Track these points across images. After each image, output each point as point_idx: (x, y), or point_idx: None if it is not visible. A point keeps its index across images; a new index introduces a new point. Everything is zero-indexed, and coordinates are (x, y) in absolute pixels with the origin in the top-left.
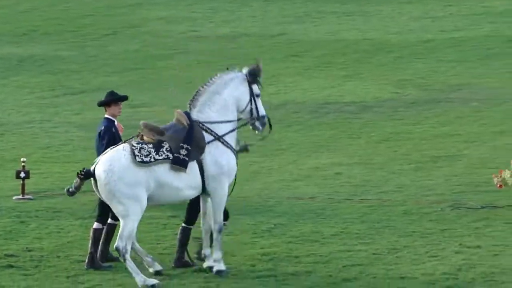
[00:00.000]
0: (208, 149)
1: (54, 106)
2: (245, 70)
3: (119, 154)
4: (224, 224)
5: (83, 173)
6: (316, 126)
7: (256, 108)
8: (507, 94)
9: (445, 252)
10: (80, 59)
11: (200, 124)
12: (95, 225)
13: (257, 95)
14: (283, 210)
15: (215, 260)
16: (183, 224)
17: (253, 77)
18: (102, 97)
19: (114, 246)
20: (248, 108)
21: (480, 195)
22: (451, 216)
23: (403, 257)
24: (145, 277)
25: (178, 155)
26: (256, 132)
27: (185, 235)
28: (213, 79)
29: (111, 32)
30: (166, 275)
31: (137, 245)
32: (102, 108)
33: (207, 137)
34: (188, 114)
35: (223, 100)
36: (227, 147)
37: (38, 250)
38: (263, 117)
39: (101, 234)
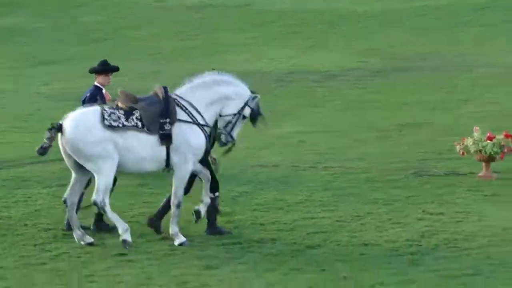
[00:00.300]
0: (180, 126)
1: (23, 76)
2: (252, 93)
3: (88, 114)
4: (215, 196)
5: (54, 126)
6: (281, 94)
7: (234, 126)
8: (472, 62)
9: (408, 219)
10: (49, 30)
11: (176, 100)
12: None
13: (244, 117)
14: (247, 178)
15: (172, 235)
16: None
17: (252, 111)
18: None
19: (92, 200)
20: (228, 119)
21: (443, 163)
22: (415, 184)
23: (367, 224)
24: (127, 238)
25: (164, 131)
26: (217, 142)
27: (212, 205)
28: (222, 73)
29: (81, 4)
30: (134, 242)
31: (74, 215)
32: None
33: (182, 115)
34: (166, 89)
35: (217, 93)
36: (199, 127)
37: (6, 219)
38: (231, 137)
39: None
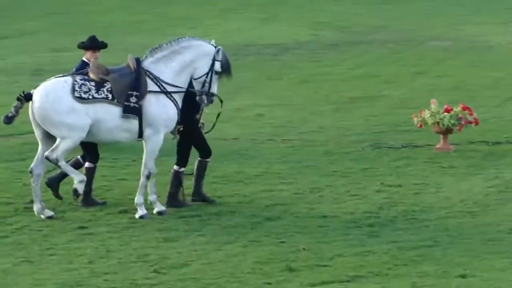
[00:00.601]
0: (151, 98)
1: None
2: (215, 45)
3: (58, 85)
4: (206, 161)
5: (23, 95)
6: (237, 68)
7: (210, 83)
8: (424, 35)
9: (366, 191)
10: (2, 4)
11: (148, 72)
12: (87, 164)
13: (216, 72)
14: None
15: (137, 204)
16: (174, 167)
17: (222, 66)
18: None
19: (45, 155)
20: (203, 79)
21: (400, 135)
22: (372, 156)
23: (325, 196)
24: (84, 178)
25: (128, 103)
26: (201, 104)
27: (177, 177)
28: (180, 39)
29: None
30: (93, 216)
31: (38, 187)
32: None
33: (153, 86)
34: (138, 60)
35: (182, 61)
36: (171, 100)
37: None
38: (212, 94)
39: (94, 172)
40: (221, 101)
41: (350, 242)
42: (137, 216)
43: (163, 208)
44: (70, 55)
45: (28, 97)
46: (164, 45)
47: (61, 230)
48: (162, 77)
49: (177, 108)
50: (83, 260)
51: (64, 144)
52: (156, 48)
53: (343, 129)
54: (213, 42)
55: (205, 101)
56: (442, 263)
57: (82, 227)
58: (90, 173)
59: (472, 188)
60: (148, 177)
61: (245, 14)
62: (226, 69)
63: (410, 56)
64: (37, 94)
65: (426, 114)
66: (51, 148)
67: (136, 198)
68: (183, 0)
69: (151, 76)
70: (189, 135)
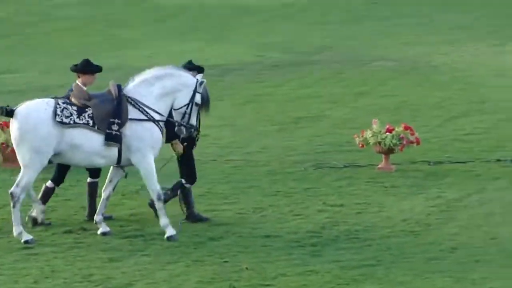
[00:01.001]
0: (133, 123)
1: None
2: (199, 78)
3: (41, 106)
4: (184, 185)
5: (7, 109)
6: None
7: (190, 115)
8: (368, 55)
9: (308, 210)
10: None
11: (129, 99)
12: (48, 183)
13: (196, 104)
14: None
15: (163, 227)
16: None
17: (202, 99)
18: None
19: (9, 192)
20: (183, 110)
21: (342, 155)
22: (314, 176)
23: (268, 216)
24: (23, 231)
25: (110, 131)
26: (180, 135)
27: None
28: (167, 66)
29: None
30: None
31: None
32: None
33: (134, 113)
34: (119, 87)
35: (162, 87)
36: (153, 122)
37: None
38: (191, 126)
39: (53, 192)
40: (198, 132)
41: (293, 261)
42: (165, 236)
43: (107, 229)
44: (20, 77)
45: (9, 112)
46: (148, 70)
47: (6, 250)
48: (143, 101)
49: (160, 129)
50: (29, 280)
51: (26, 174)
52: (139, 73)
53: (287, 149)
54: (199, 76)
55: (184, 132)
56: (384, 282)
57: (27, 248)
58: (48, 194)
59: (414, 208)
60: (159, 198)
61: (191, 36)
62: (206, 102)
63: (354, 76)
64: (19, 113)
65: (368, 134)
66: (16, 182)
67: (160, 222)
68: (131, 22)
69: (132, 102)
70: (191, 149)
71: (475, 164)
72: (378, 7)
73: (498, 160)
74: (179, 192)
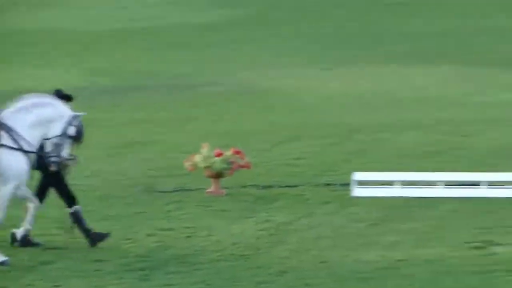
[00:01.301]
0: (3, 150)
1: None
2: (74, 113)
3: None
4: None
5: None
6: None
7: (62, 147)
8: (198, 80)
9: (138, 235)
10: None
11: (2, 125)
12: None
13: (69, 137)
14: None
15: None
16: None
17: (76, 129)
18: None
19: None
20: (55, 141)
21: (172, 179)
22: (144, 200)
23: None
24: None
25: None
26: (49, 167)
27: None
28: (44, 95)
29: None
30: None
31: None
32: None
33: (6, 140)
34: None
35: (39, 116)
36: (22, 152)
37: None
38: (63, 158)
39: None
40: (71, 160)
41: (123, 285)
42: None
43: (3, 258)
44: None
45: None
46: (26, 97)
47: None
48: (16, 127)
49: (28, 161)
50: None
51: None
52: (19, 100)
53: (117, 173)
54: (82, 113)
55: (54, 164)
56: None
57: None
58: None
59: (244, 231)
60: None
61: (19, 61)
62: (79, 136)
63: (184, 101)
64: None
65: (198, 158)
66: None
67: None
68: None
69: (5, 128)
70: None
71: (304, 188)
72: (206, 33)
73: (327, 184)
74: (70, 218)
